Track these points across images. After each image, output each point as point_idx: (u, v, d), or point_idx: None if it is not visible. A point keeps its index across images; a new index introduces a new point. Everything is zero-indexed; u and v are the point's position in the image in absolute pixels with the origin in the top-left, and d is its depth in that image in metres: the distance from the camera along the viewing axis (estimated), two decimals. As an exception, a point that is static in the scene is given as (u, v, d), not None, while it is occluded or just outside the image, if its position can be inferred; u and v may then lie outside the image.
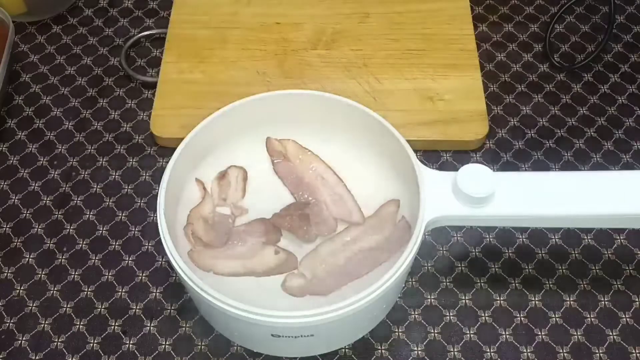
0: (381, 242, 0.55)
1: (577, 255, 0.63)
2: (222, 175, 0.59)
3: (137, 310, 0.60)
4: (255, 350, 0.57)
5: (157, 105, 0.70)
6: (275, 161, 0.60)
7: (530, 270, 0.62)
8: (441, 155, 0.69)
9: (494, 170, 0.53)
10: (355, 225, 0.56)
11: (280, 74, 0.72)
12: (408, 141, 0.55)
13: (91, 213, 0.65)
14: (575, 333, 0.59)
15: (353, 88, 0.71)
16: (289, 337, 0.52)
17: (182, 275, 0.49)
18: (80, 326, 0.59)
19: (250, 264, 0.55)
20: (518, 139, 0.70)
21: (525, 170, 0.68)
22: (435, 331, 0.59)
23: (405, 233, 0.54)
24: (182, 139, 0.55)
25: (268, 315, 0.47)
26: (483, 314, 0.59)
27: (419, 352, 0.58)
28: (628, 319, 0.59)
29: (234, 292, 0.51)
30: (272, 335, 0.51)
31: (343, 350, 0.58)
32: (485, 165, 0.52)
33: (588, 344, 0.58)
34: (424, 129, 0.68)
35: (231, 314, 0.48)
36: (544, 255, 0.62)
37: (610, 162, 0.68)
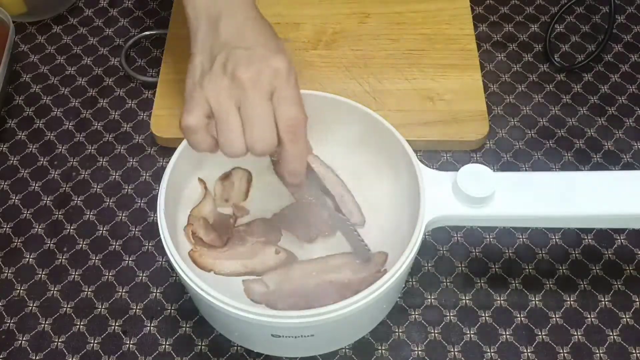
0: (355, 282, 0.54)
1: (577, 255, 0.63)
2: (226, 176, 0.59)
3: (137, 310, 0.60)
4: (255, 350, 0.57)
5: (157, 105, 0.70)
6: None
7: (530, 270, 0.62)
8: (441, 155, 0.68)
9: (494, 170, 0.53)
10: (340, 255, 0.56)
11: (281, 74, 0.72)
12: (408, 141, 0.55)
13: (91, 213, 0.65)
14: (575, 333, 0.58)
15: (353, 88, 0.71)
16: (289, 337, 0.52)
17: (182, 275, 0.49)
18: (81, 326, 0.59)
19: (251, 264, 0.55)
20: (518, 139, 0.70)
21: (525, 170, 0.68)
22: (435, 331, 0.59)
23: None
24: (182, 139, 0.55)
25: (268, 315, 0.47)
26: (483, 314, 0.59)
27: (419, 352, 0.58)
28: (628, 319, 0.59)
29: (234, 292, 0.51)
30: (272, 335, 0.51)
31: (343, 350, 0.58)
32: (485, 165, 0.52)
33: (588, 344, 0.58)
34: (424, 129, 0.68)
35: (231, 314, 0.48)
36: (544, 255, 0.62)
37: (610, 162, 0.68)
